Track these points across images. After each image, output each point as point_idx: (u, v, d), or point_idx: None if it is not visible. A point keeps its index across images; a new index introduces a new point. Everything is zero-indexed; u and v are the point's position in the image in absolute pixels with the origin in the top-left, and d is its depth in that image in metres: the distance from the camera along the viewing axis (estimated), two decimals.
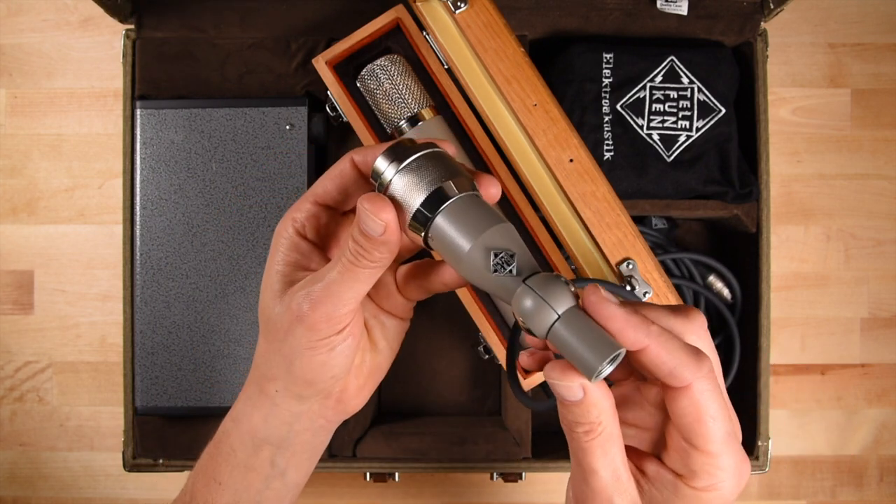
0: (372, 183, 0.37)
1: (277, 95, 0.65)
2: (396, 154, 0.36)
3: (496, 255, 0.34)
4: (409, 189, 0.36)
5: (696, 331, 0.36)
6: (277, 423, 0.41)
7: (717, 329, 0.69)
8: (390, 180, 0.36)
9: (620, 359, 0.34)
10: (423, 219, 0.35)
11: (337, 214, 0.41)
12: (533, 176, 0.60)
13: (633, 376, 0.40)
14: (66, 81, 0.75)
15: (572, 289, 0.34)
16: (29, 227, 0.75)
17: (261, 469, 0.42)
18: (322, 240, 0.40)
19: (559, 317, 0.33)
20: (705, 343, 0.36)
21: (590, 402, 0.34)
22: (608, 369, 0.34)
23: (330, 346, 0.38)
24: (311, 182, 0.62)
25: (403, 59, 0.60)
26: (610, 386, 0.36)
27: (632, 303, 0.35)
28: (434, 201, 0.35)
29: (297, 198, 0.61)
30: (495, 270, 0.34)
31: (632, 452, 0.38)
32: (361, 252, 0.36)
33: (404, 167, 0.36)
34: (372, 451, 0.65)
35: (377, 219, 0.35)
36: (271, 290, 0.39)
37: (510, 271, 0.34)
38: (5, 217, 0.75)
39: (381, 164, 0.36)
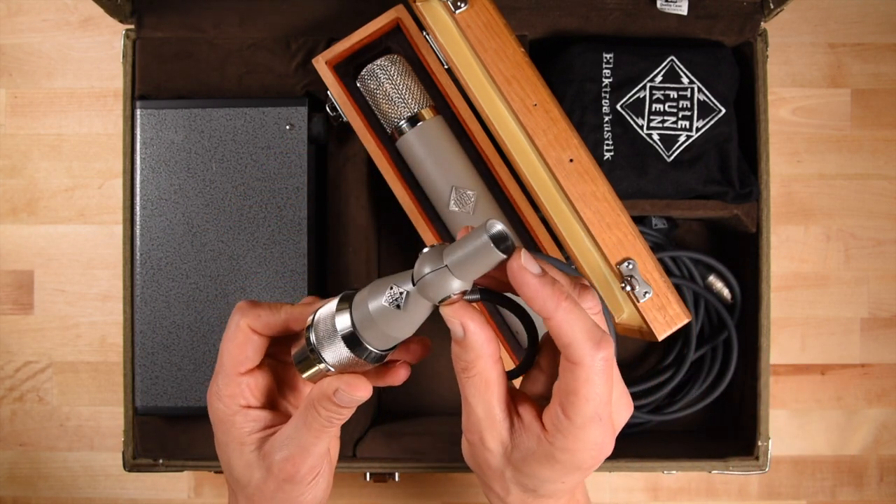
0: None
1: (277, 95, 0.65)
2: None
3: (391, 297, 0.38)
4: (332, 348, 0.40)
5: (587, 311, 0.39)
6: None
7: (717, 330, 0.69)
8: (323, 361, 0.41)
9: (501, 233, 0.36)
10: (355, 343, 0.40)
11: (255, 368, 0.44)
12: (533, 176, 0.60)
13: None
14: (66, 81, 0.75)
15: (421, 252, 0.38)
16: (29, 227, 0.75)
17: None
18: (263, 396, 0.45)
19: (444, 265, 0.37)
20: (599, 322, 0.40)
21: (468, 343, 0.38)
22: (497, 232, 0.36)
23: (315, 485, 0.44)
24: (311, 182, 0.62)
25: (403, 59, 0.60)
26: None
27: (552, 276, 0.38)
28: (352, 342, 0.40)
29: (297, 197, 0.62)
30: (397, 306, 0.38)
31: (519, 397, 0.41)
32: (335, 417, 0.41)
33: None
34: (372, 451, 0.65)
35: (355, 395, 0.40)
36: (244, 461, 0.43)
37: (401, 296, 0.38)
38: (5, 217, 0.75)
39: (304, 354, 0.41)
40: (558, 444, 0.38)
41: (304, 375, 0.41)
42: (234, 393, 0.43)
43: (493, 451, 0.41)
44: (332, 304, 0.40)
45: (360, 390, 0.40)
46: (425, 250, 0.37)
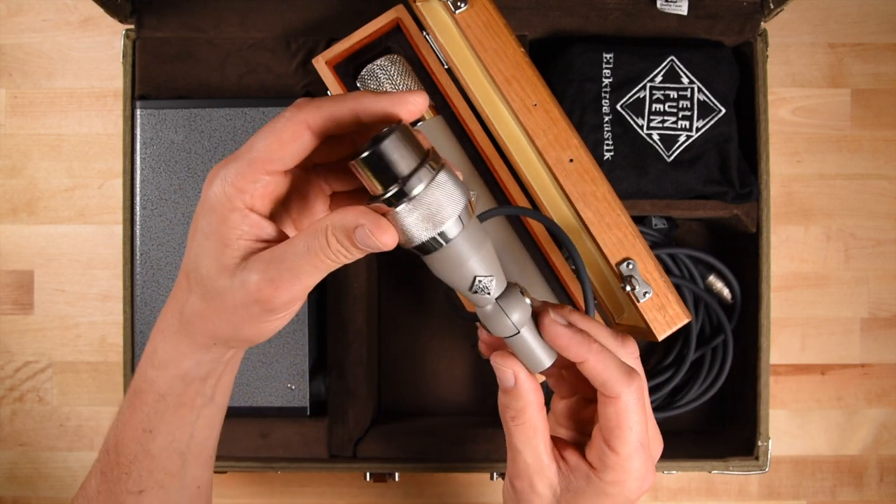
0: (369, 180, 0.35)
1: (277, 95, 0.65)
2: (403, 168, 0.34)
3: (477, 282, 0.37)
4: (422, 220, 0.35)
5: (629, 355, 0.43)
6: (210, 364, 0.41)
7: (717, 330, 0.69)
8: (401, 204, 0.35)
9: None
10: (428, 246, 0.36)
11: (280, 173, 0.38)
12: (533, 176, 0.60)
13: (578, 394, 0.47)
14: (66, 81, 0.75)
15: (528, 301, 0.40)
16: (29, 227, 0.75)
17: (191, 402, 0.42)
18: (271, 206, 0.38)
19: (518, 332, 0.40)
20: (636, 365, 0.43)
21: (519, 391, 0.41)
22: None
23: (283, 318, 0.39)
24: None
25: (403, 59, 0.60)
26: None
27: (580, 320, 0.42)
28: (441, 237, 0.36)
29: None
30: (475, 292, 0.38)
31: (559, 443, 0.44)
32: (344, 255, 0.36)
33: (421, 195, 0.35)
34: (372, 451, 0.65)
35: (378, 241, 0.35)
36: (219, 263, 0.37)
37: (486, 293, 0.38)
38: (5, 217, 0.75)
39: (392, 169, 0.34)
40: (608, 478, 0.41)
41: (353, 163, 0.35)
42: (245, 188, 0.36)
43: (543, 495, 0.43)
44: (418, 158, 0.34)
45: (386, 236, 0.35)
46: (515, 297, 0.39)
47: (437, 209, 0.35)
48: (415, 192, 0.34)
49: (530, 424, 0.42)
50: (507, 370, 0.41)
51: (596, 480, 0.42)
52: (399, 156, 0.34)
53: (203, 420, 0.43)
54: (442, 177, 0.35)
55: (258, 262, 0.36)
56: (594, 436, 0.42)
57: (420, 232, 0.35)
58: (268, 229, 0.37)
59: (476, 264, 0.37)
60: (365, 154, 0.34)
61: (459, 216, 0.35)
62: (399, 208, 0.34)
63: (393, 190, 0.34)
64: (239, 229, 0.37)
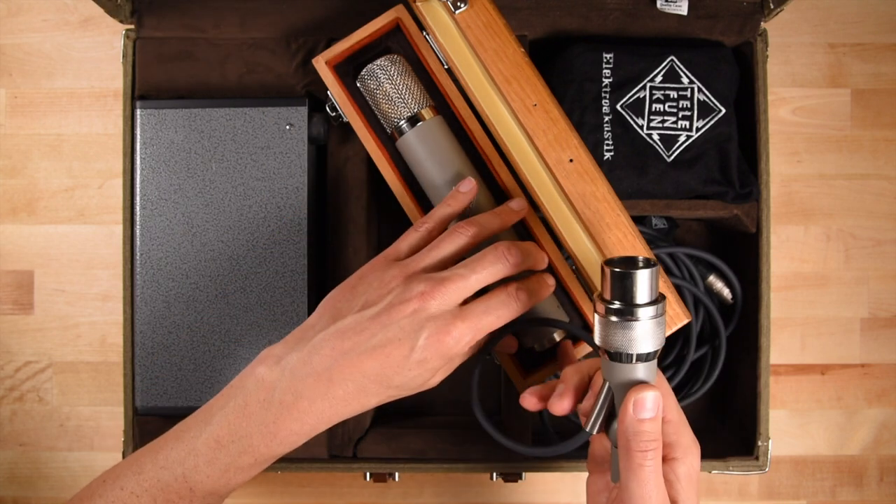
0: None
1: (277, 95, 0.65)
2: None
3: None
4: (627, 339, 0.43)
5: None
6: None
7: (717, 330, 0.69)
8: (622, 319, 0.43)
9: None
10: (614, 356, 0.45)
11: None
12: (533, 176, 0.60)
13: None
14: (66, 81, 0.76)
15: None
16: (29, 227, 0.75)
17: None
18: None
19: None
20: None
21: (661, 414, 0.42)
22: None
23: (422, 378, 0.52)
24: (310, 182, 0.62)
25: (403, 59, 0.60)
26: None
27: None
28: None
29: (297, 197, 0.62)
30: None
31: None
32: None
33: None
34: (372, 451, 0.65)
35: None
36: (426, 383, 0.51)
37: None
38: (5, 217, 0.75)
39: (633, 292, 0.43)
40: (679, 452, 0.44)
41: (609, 268, 0.44)
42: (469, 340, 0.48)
43: None
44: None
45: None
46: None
47: (642, 339, 0.42)
48: (640, 321, 0.42)
49: (659, 448, 0.41)
50: (654, 393, 0.41)
51: (675, 464, 0.43)
52: (649, 286, 0.43)
53: None
54: (664, 319, 0.43)
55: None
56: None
57: (617, 344, 0.43)
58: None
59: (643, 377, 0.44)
60: (629, 271, 0.43)
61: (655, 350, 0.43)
62: (616, 319, 0.43)
63: (621, 306, 0.43)
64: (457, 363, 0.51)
